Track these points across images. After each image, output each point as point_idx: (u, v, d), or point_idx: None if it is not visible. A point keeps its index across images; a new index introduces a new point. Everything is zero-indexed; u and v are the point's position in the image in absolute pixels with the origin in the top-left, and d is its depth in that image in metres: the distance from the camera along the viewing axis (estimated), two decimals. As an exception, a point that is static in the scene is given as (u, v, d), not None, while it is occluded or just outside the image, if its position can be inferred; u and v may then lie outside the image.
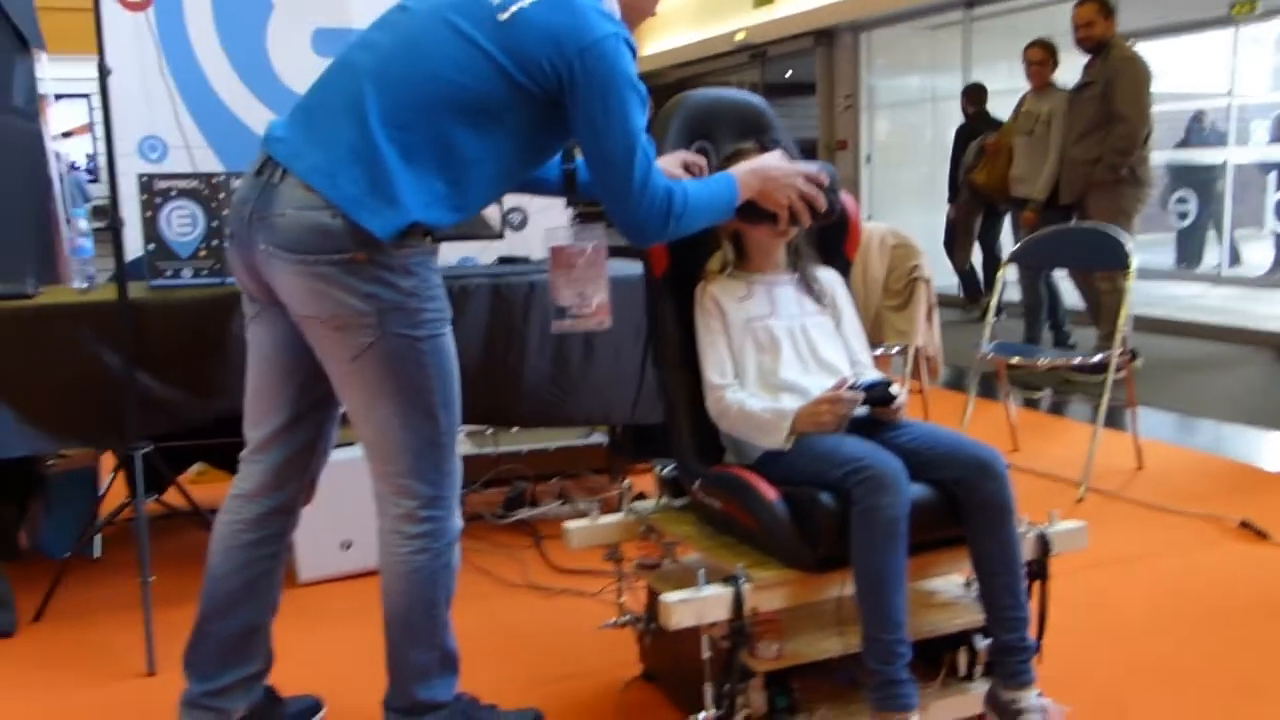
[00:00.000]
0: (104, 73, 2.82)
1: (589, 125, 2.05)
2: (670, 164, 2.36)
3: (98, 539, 3.66)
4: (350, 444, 2.73)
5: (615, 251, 4.30)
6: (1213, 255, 10.28)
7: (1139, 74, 5.70)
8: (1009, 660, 2.12)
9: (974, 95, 8.54)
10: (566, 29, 2.00)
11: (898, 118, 12.07)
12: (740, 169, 2.27)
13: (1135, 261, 4.23)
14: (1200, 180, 10.36)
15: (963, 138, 8.55)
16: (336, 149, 2.01)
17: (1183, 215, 10.49)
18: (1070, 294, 6.60)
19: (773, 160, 2.31)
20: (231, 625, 2.29)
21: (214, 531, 2.31)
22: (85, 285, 3.30)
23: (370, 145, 1.99)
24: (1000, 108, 6.84)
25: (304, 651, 2.84)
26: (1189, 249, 10.67)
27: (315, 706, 2.51)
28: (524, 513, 3.90)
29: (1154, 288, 9.13)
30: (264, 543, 2.30)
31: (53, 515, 3.68)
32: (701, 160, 2.44)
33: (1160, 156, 9.40)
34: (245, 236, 2.09)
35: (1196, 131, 10.49)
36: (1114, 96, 5.68)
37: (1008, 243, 7.89)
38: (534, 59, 2.01)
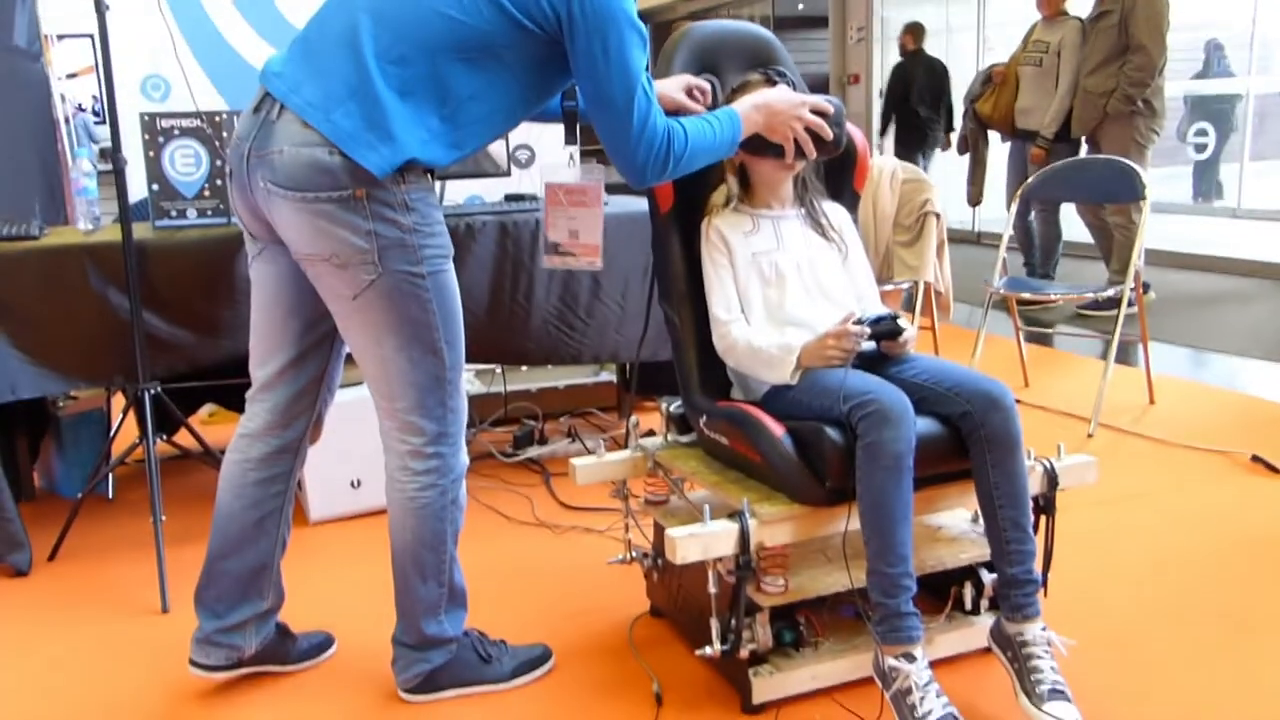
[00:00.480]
0: (101, 9, 2.78)
1: (588, 66, 2.01)
2: (673, 88, 2.33)
3: (110, 479, 3.69)
4: (358, 384, 2.74)
5: (622, 189, 4.28)
6: (1231, 188, 10.15)
7: (1158, 2, 5.60)
8: (1014, 594, 2.12)
9: (914, 32, 8.76)
10: None
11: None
12: (743, 104, 2.24)
13: (1149, 194, 4.17)
14: (1219, 111, 10.21)
15: (899, 75, 8.63)
16: (332, 84, 1.98)
17: (1200, 148, 10.35)
18: (1070, 230, 6.58)
19: (777, 93, 2.28)
20: (242, 563, 2.32)
21: (222, 471, 2.33)
22: (91, 227, 3.29)
23: (366, 81, 1.96)
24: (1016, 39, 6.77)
25: (315, 589, 2.86)
26: (1206, 182, 10.54)
27: (326, 642, 2.54)
28: (533, 450, 3.91)
29: (1169, 222, 9.04)
30: (272, 481, 2.32)
31: (65, 456, 3.71)
32: (705, 84, 2.40)
33: (1178, 87, 9.27)
34: (244, 174, 2.07)
35: (1217, 61, 10.32)
36: (1132, 25, 5.59)
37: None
38: None
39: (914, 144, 8.57)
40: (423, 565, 2.22)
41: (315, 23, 2.09)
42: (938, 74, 8.63)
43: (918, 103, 8.52)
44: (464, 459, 2.24)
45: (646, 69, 2.04)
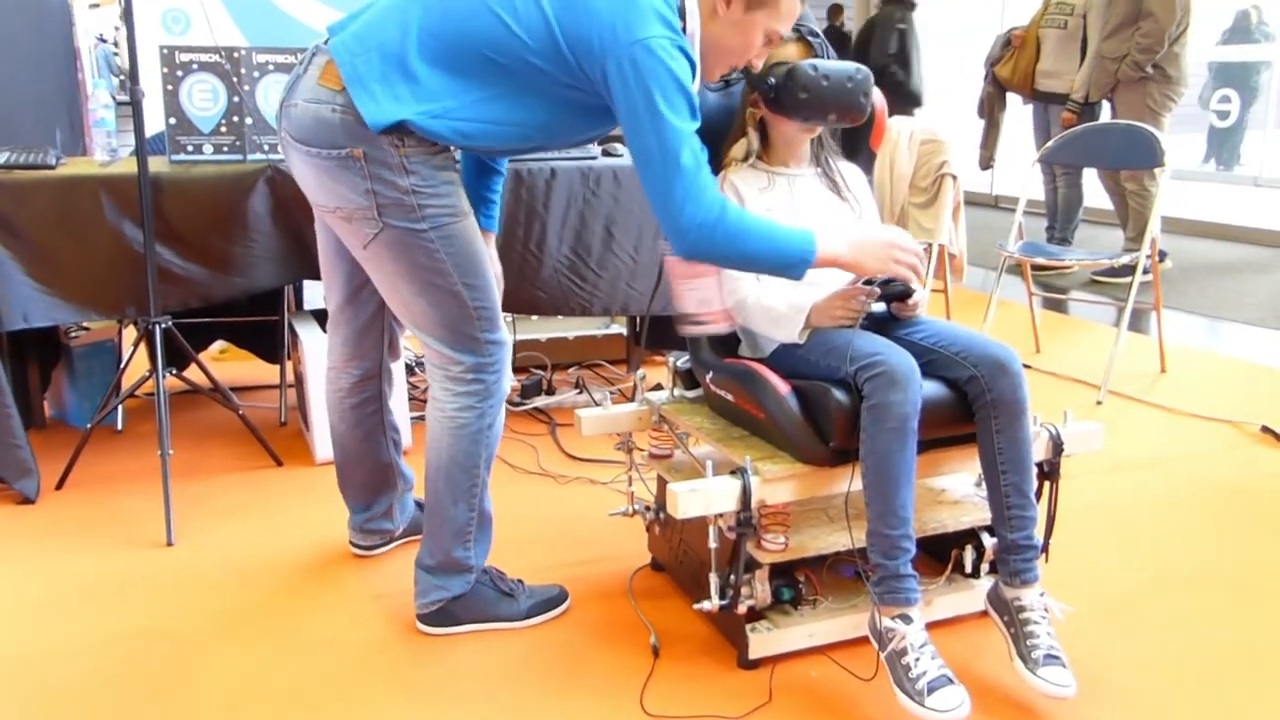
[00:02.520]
0: (121, -59, 2.76)
1: (631, 120, 1.98)
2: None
3: (120, 411, 3.71)
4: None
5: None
6: (1253, 157, 10.04)
7: None
8: (1013, 559, 2.13)
9: (832, 13, 9.67)
10: (622, 20, 1.94)
11: (936, 9, 11.72)
12: (834, 238, 2.10)
13: (1168, 160, 4.13)
14: (1244, 78, 10.08)
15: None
16: (370, 39, 2.05)
17: (1224, 115, 10.24)
18: (1090, 196, 6.53)
19: (868, 230, 2.21)
20: (364, 468, 2.64)
21: (325, 398, 2.61)
22: (108, 158, 3.29)
23: (402, 43, 2.02)
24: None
25: (322, 526, 2.88)
26: (1228, 150, 10.43)
27: None
28: (540, 400, 3.92)
29: (1189, 189, 8.95)
30: (365, 404, 2.58)
31: (76, 386, 3.73)
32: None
33: (1202, 53, 9.14)
34: (279, 125, 2.19)
35: (1243, 27, 10.18)
36: None
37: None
38: (585, 39, 1.96)
39: None
40: (455, 485, 2.29)
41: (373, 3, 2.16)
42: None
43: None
44: (506, 385, 2.30)
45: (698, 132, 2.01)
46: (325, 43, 2.11)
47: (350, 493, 2.68)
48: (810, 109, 2.25)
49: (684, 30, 2.03)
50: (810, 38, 2.33)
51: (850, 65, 2.26)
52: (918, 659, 1.99)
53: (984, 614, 2.27)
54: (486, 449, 2.29)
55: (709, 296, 2.28)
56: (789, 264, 2.05)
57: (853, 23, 11.87)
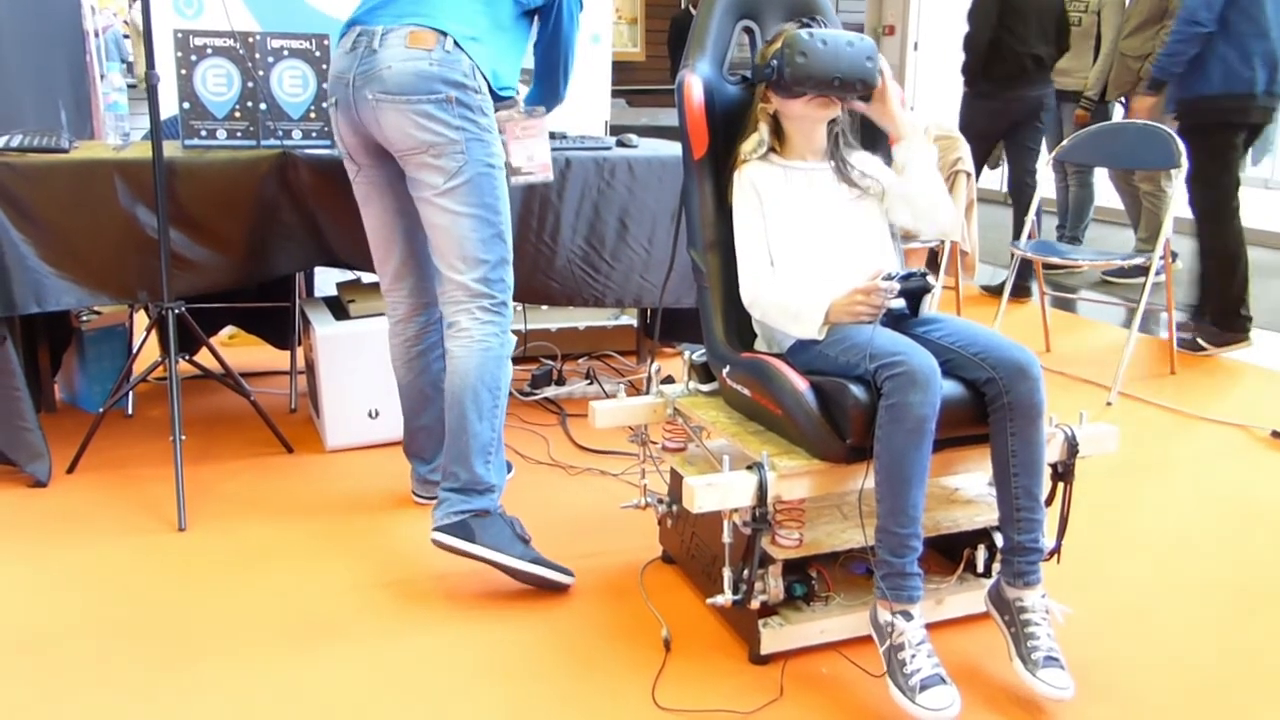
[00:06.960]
0: (139, -77, 2.76)
1: None
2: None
3: (130, 396, 3.71)
4: (378, 315, 2.77)
5: (657, 131, 4.24)
6: (1265, 159, 10.00)
7: None
8: (1018, 560, 2.12)
9: None
10: None
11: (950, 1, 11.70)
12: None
13: (1184, 160, 4.12)
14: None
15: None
16: (447, 8, 2.47)
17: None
18: (1100, 195, 6.52)
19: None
20: (429, 417, 2.87)
21: (391, 353, 2.85)
22: (121, 142, 3.28)
23: (473, 10, 2.49)
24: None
25: (331, 512, 2.88)
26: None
27: (509, 466, 3.04)
28: (550, 390, 3.92)
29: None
30: (431, 350, 2.83)
31: (87, 370, 3.73)
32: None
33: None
34: (349, 97, 2.50)
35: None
36: None
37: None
38: None
39: None
40: (481, 404, 2.50)
41: None
42: None
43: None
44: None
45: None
46: (380, 23, 2.46)
47: (414, 447, 2.93)
48: (813, 76, 2.25)
49: None
50: (810, 24, 2.35)
51: (849, 32, 2.26)
52: (914, 655, 2.00)
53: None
54: (506, 375, 2.56)
55: (536, 152, 2.84)
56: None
57: (863, 15, 11.87)
